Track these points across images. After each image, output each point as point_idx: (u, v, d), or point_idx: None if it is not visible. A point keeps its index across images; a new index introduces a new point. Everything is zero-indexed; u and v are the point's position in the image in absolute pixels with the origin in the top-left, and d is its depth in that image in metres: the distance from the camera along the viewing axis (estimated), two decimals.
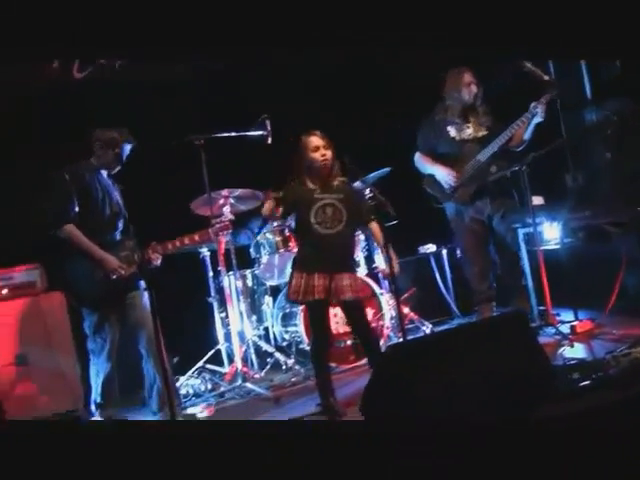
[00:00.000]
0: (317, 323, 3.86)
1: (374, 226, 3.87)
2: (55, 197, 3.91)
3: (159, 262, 3.94)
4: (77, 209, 3.87)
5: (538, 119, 4.63)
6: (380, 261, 5.42)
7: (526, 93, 4.75)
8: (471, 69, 4.97)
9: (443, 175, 4.95)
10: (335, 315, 4.76)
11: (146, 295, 3.97)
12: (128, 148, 4.05)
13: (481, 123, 4.96)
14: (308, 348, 5.01)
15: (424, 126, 5.12)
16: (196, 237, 4.06)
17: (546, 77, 4.51)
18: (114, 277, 3.82)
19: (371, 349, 3.88)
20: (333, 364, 4.58)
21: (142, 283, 4.01)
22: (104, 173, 4.06)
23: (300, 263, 3.83)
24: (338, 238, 3.73)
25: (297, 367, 5.03)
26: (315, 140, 3.74)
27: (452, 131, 4.96)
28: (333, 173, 3.78)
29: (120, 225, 4.07)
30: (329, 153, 3.73)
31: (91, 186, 3.94)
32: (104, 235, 3.95)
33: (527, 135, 4.78)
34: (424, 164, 5.10)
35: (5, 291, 4.49)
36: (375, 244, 4.91)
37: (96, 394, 3.94)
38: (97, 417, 3.91)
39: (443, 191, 5.00)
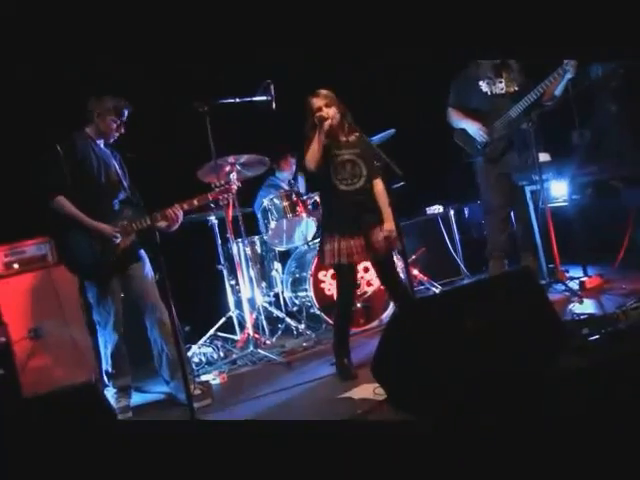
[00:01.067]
0: (347, 286, 3.88)
1: (379, 184, 3.82)
2: (45, 170, 3.86)
3: (181, 216, 3.95)
4: (70, 180, 3.79)
5: (569, 75, 4.59)
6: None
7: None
8: None
9: (475, 130, 4.94)
10: None
11: (148, 266, 3.98)
12: (125, 115, 3.97)
13: (513, 79, 4.92)
14: (319, 313, 5.05)
15: (457, 81, 5.08)
16: (195, 201, 4.07)
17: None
18: (112, 244, 3.80)
19: (401, 301, 3.88)
20: None
21: (143, 253, 4.00)
22: (101, 142, 3.99)
23: (330, 225, 3.82)
24: (361, 194, 3.73)
25: (308, 332, 5.06)
26: (315, 101, 3.71)
27: (484, 86, 4.92)
28: (344, 130, 3.76)
29: (119, 194, 3.99)
30: (331, 111, 3.68)
31: (86, 156, 3.86)
32: (101, 205, 3.88)
33: (558, 91, 4.71)
34: (456, 119, 5.08)
35: (16, 265, 4.51)
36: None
37: (106, 365, 3.95)
38: (110, 387, 3.95)
39: (474, 146, 4.99)
